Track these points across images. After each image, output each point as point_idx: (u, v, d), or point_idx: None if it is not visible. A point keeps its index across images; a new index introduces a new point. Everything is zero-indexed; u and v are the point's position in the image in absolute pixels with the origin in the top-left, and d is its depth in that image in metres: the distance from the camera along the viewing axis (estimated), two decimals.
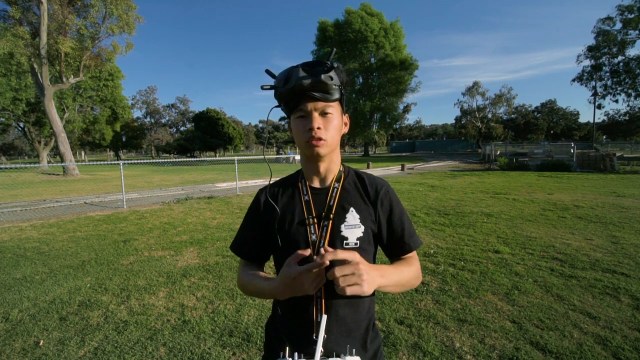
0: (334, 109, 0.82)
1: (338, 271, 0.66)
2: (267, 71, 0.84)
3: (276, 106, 0.87)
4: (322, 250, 0.74)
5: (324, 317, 0.77)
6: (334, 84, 0.78)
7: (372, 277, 0.68)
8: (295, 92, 0.77)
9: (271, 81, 0.83)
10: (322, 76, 0.76)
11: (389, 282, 0.75)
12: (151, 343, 2.30)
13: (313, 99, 0.78)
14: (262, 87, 0.84)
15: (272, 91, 0.83)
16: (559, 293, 2.89)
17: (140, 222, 6.17)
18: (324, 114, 0.80)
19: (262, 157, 22.35)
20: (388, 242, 0.89)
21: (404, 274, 0.82)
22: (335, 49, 0.81)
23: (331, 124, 0.81)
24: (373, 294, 0.86)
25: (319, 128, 0.79)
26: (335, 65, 0.78)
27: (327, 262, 0.66)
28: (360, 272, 0.66)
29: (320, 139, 0.80)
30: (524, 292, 2.92)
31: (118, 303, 2.93)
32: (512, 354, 2.08)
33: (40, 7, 16.95)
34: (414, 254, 0.91)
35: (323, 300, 0.80)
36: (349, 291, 0.65)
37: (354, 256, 0.68)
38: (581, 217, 5.71)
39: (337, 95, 0.81)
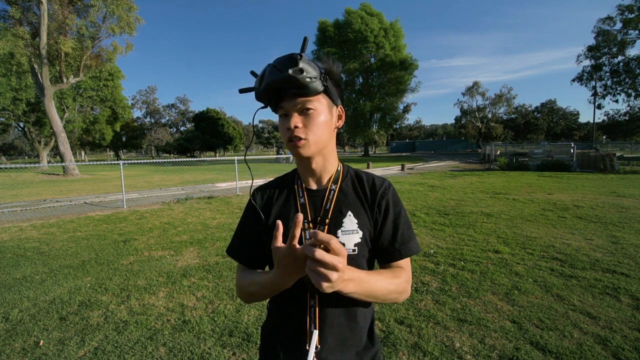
0: (318, 103, 0.75)
1: (319, 254, 0.54)
2: (252, 72, 0.79)
3: (262, 107, 0.80)
4: (300, 216, 0.59)
5: (315, 332, 0.73)
6: (308, 76, 0.70)
7: (340, 280, 0.58)
8: (270, 91, 0.72)
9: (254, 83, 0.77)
10: (290, 71, 0.69)
11: (357, 289, 0.65)
12: (151, 343, 2.30)
13: (290, 96, 0.73)
14: (240, 91, 0.79)
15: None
16: (559, 293, 2.89)
17: (140, 222, 6.17)
18: (304, 110, 0.74)
19: (262, 157, 22.29)
20: (375, 245, 0.81)
21: (380, 286, 0.71)
22: (307, 37, 0.71)
23: (314, 122, 0.75)
24: (370, 303, 0.83)
25: (296, 127, 0.73)
26: (305, 56, 0.70)
27: (299, 230, 0.58)
28: (336, 270, 0.56)
29: (299, 138, 0.74)
30: (524, 292, 2.92)
31: (118, 303, 2.93)
32: (512, 354, 2.08)
33: (40, 7, 16.95)
34: (405, 264, 0.81)
35: (317, 309, 0.76)
36: (314, 279, 0.56)
37: (343, 250, 0.58)
38: (581, 217, 5.70)
39: (318, 88, 0.73)
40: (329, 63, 0.77)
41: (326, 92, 0.77)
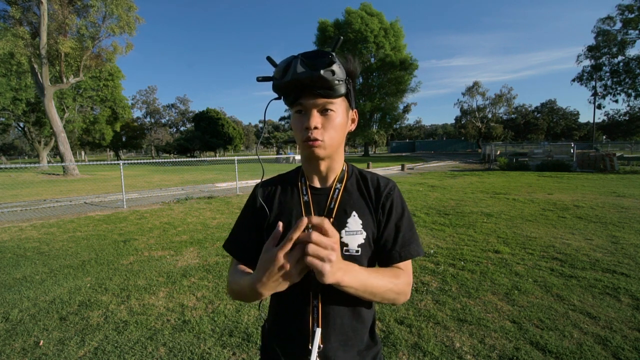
0: (338, 105, 0.74)
1: (316, 236, 0.56)
2: (268, 58, 0.76)
3: (276, 98, 0.78)
4: (304, 220, 0.58)
5: (318, 330, 0.73)
6: (337, 79, 0.69)
7: (337, 267, 0.59)
8: (292, 85, 0.71)
9: (270, 71, 0.75)
10: (322, 71, 0.67)
11: (351, 282, 0.63)
12: (151, 343, 2.30)
13: (313, 95, 0.71)
14: (258, 79, 0.76)
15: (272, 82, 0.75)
16: (559, 293, 2.89)
17: (140, 222, 6.17)
18: (324, 111, 0.73)
19: (261, 157, 22.32)
20: (377, 246, 0.80)
21: (377, 283, 0.69)
22: (341, 37, 0.71)
23: (332, 123, 0.74)
24: (371, 303, 0.83)
25: (315, 128, 0.72)
26: (337, 58, 0.69)
27: (305, 223, 0.57)
28: (334, 250, 0.58)
29: (316, 139, 0.73)
30: (524, 292, 2.92)
31: (118, 303, 2.93)
32: (512, 354, 2.08)
33: (40, 7, 16.95)
34: (405, 266, 0.79)
35: (320, 309, 0.75)
36: (310, 262, 0.56)
37: (337, 234, 0.60)
38: (581, 217, 5.71)
39: (341, 91, 0.72)
40: (354, 65, 0.76)
41: (347, 95, 0.76)
